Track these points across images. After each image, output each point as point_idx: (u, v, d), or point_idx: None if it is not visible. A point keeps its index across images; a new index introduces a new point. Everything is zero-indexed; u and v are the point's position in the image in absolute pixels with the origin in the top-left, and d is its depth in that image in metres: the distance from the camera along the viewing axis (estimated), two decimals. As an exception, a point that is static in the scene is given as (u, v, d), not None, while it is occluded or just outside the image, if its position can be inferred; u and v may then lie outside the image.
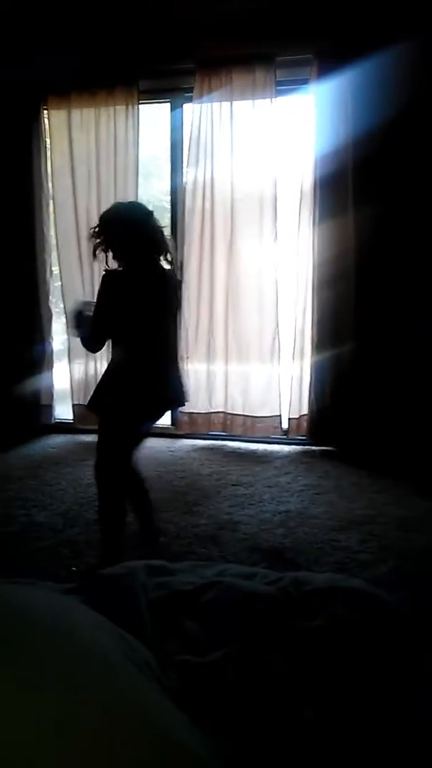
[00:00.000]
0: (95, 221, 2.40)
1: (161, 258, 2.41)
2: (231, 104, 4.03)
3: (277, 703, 1.04)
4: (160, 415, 2.48)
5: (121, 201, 2.55)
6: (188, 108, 4.22)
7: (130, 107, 4.20)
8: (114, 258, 2.36)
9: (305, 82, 3.90)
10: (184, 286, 4.25)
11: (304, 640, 1.19)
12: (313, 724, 1.00)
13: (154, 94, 4.31)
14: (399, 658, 1.18)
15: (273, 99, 3.95)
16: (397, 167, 3.68)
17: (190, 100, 4.16)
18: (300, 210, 4.02)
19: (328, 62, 3.76)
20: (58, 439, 4.45)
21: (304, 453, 4.05)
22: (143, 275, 2.29)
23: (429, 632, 1.85)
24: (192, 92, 4.09)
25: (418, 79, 3.57)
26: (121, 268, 2.35)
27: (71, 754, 0.61)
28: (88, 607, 0.94)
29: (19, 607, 0.77)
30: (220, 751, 0.84)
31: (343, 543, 2.72)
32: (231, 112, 4.05)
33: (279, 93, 3.97)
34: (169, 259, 2.39)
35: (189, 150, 4.14)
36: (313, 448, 4.11)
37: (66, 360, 4.60)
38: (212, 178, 4.13)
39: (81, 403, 4.53)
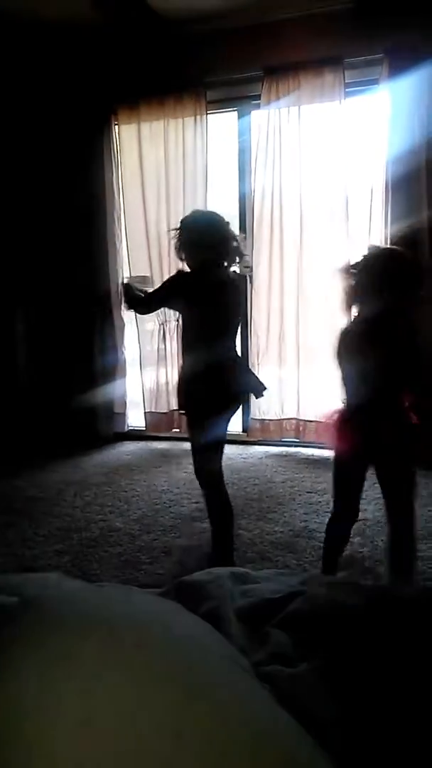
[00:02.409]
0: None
1: (233, 265, 2.48)
2: (299, 109, 4.01)
3: (368, 716, 1.01)
4: (228, 408, 2.56)
5: (201, 209, 2.70)
6: (256, 114, 4.23)
7: (198, 117, 4.25)
8: (184, 260, 2.49)
9: (375, 82, 3.84)
10: (254, 293, 4.26)
11: (394, 653, 1.15)
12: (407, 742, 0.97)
13: (221, 103, 4.35)
14: None
15: (342, 101, 3.90)
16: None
17: (257, 107, 4.17)
18: (371, 213, 3.95)
19: (398, 61, 3.68)
20: (132, 446, 4.53)
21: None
22: (205, 281, 2.41)
23: None
24: (259, 99, 4.10)
25: None
26: (189, 271, 2.48)
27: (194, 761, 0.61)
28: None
29: (125, 611, 0.77)
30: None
31: (425, 553, 2.64)
32: (299, 116, 4.03)
33: (348, 94, 3.92)
34: (246, 265, 2.49)
35: (257, 157, 4.15)
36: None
37: (138, 368, 4.68)
38: (281, 184, 4.12)
39: (153, 410, 4.60)
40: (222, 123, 4.50)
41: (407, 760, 0.94)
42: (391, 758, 0.95)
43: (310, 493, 3.41)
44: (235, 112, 4.35)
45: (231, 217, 4.51)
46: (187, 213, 2.63)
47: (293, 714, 0.95)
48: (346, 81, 3.89)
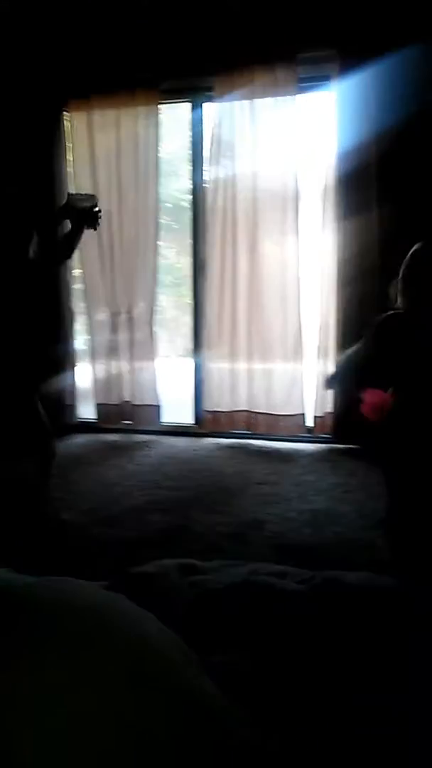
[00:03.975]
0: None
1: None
2: (252, 102, 4.02)
3: (320, 702, 1.03)
4: None
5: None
6: (209, 107, 4.21)
7: (150, 107, 4.21)
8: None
9: (328, 78, 3.88)
10: (206, 285, 4.26)
11: (338, 639, 1.17)
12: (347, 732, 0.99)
13: (174, 94, 4.32)
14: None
15: (295, 96, 3.93)
16: (421, 163, 3.64)
17: (210, 99, 4.15)
18: (323, 207, 4.00)
19: (350, 59, 3.72)
20: (82, 438, 4.47)
21: (329, 451, 4.03)
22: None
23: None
24: (213, 91, 4.08)
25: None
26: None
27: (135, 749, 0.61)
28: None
29: (70, 602, 0.77)
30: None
31: (373, 542, 2.69)
32: (252, 110, 4.04)
33: (301, 90, 3.95)
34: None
35: (210, 149, 4.14)
36: (339, 446, 4.08)
37: (89, 360, 4.62)
38: (234, 177, 4.12)
39: (104, 402, 4.56)
40: (175, 113, 4.47)
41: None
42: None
43: (261, 484, 3.44)
44: (189, 104, 4.32)
45: (183, 208, 4.52)
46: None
47: (238, 703, 0.96)
48: (299, 77, 3.91)
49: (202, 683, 0.86)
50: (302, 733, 0.98)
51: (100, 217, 2.75)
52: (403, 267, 2.12)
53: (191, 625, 1.27)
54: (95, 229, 2.78)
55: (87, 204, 2.72)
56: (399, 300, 2.13)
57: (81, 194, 2.85)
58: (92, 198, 2.76)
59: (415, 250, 2.11)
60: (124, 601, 0.84)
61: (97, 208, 2.73)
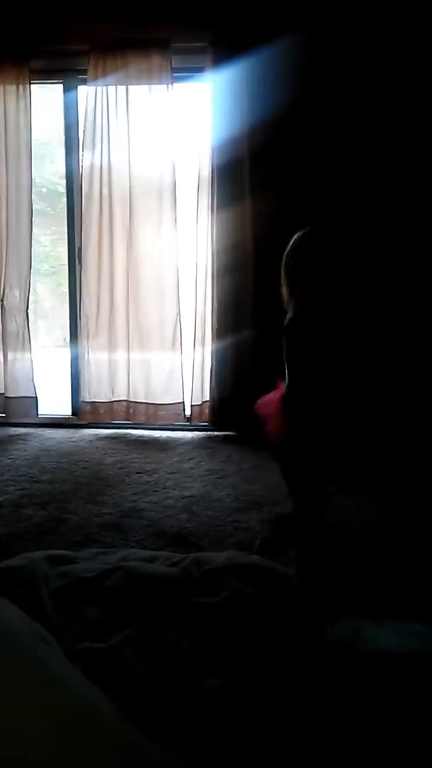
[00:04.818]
0: None
1: None
2: (126, 88, 3.98)
3: (180, 676, 1.07)
4: None
5: None
6: (83, 90, 4.12)
7: (21, 87, 4.04)
8: None
9: (202, 70, 3.92)
10: (83, 274, 4.18)
11: (206, 615, 1.23)
12: (216, 694, 1.04)
13: (46, 74, 4.18)
14: (296, 627, 1.24)
15: (170, 85, 3.94)
16: (292, 157, 3.78)
17: (84, 81, 4.06)
18: (198, 198, 4.05)
19: (223, 51, 3.79)
20: None
21: (207, 439, 4.12)
22: None
23: (324, 603, 1.96)
24: (86, 74, 4.00)
25: (312, 70, 3.68)
26: None
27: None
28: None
29: None
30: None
31: (245, 524, 2.80)
32: (127, 96, 4.00)
33: (176, 80, 3.96)
34: None
35: (84, 133, 4.05)
36: (216, 433, 4.19)
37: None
38: (110, 163, 4.06)
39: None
40: (48, 95, 4.33)
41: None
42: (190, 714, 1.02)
43: (140, 473, 3.46)
44: (61, 85, 4.20)
45: (59, 194, 4.39)
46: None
47: (102, 685, 0.98)
48: (174, 66, 3.93)
49: (66, 674, 0.87)
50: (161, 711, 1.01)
51: None
52: (287, 259, 1.93)
53: (60, 613, 1.27)
54: None
55: None
56: (288, 298, 1.94)
57: None
58: None
59: (297, 245, 1.90)
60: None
61: None
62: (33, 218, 4.23)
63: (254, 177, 3.85)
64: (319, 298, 1.78)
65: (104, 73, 3.95)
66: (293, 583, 1.41)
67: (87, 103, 4.03)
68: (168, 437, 4.17)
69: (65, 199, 4.39)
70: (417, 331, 3.77)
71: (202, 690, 1.06)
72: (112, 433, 4.23)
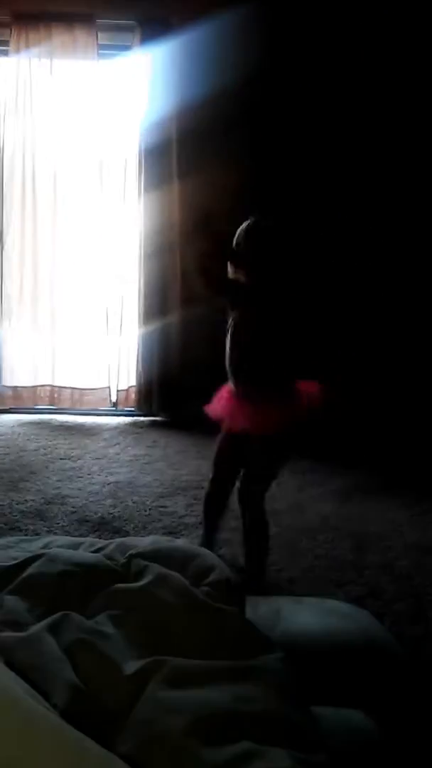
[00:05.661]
0: None
1: None
2: (51, 62, 3.85)
3: (103, 662, 1.07)
4: None
5: None
6: (4, 62, 3.94)
7: None
8: None
9: (129, 48, 3.84)
10: (4, 255, 4.03)
11: (129, 599, 1.22)
12: (137, 677, 1.04)
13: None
14: (219, 608, 1.26)
15: (96, 61, 3.84)
16: (221, 139, 3.75)
17: (6, 54, 3.89)
18: (125, 179, 3.99)
19: (151, 30, 3.73)
20: None
21: (132, 424, 4.09)
22: None
23: (247, 585, 2.00)
24: (8, 45, 3.83)
25: (242, 51, 3.64)
26: None
27: None
28: None
29: None
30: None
31: (171, 508, 2.82)
32: (51, 70, 3.86)
33: (103, 57, 3.87)
34: None
35: (5, 107, 3.89)
36: (142, 418, 4.16)
37: None
38: (33, 140, 3.92)
39: None
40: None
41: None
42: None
43: (64, 459, 3.40)
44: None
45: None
46: None
47: (25, 676, 0.97)
48: (101, 43, 3.83)
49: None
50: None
51: None
52: (239, 245, 2.08)
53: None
54: None
55: None
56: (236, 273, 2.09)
57: None
58: None
59: (249, 229, 2.07)
60: None
61: None
62: None
63: (182, 159, 3.82)
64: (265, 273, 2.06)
65: (27, 46, 3.80)
66: (221, 569, 1.42)
67: (8, 75, 3.87)
68: (93, 423, 4.11)
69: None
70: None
71: (127, 675, 1.06)
72: (35, 419, 4.12)
